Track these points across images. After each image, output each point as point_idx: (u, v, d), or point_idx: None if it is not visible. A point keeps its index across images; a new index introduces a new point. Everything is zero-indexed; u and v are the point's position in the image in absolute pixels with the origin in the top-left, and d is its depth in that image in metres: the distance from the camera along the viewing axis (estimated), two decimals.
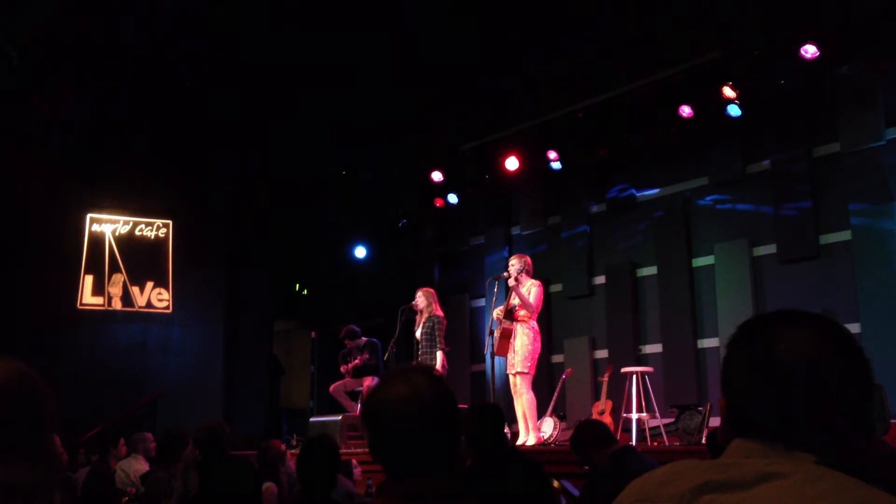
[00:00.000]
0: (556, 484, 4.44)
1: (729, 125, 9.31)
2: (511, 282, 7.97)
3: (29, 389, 1.53)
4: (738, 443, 1.19)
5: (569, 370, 9.56)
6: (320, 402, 13.42)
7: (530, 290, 7.98)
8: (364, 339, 10.04)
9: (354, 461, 6.79)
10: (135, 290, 12.23)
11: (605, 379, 8.57)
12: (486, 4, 9.44)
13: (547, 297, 9.12)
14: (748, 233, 9.39)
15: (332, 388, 9.92)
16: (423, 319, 8.64)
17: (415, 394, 1.66)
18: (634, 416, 7.97)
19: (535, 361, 8.00)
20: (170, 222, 12.55)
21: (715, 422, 7.21)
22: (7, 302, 11.18)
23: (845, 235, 8.63)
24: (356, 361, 9.84)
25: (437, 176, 11.61)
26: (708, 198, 9.85)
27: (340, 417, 9.18)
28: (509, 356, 7.97)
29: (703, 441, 6.97)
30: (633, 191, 10.54)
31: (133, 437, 7.87)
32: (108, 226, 12.25)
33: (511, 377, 8.00)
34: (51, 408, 1.55)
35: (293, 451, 7.17)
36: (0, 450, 1.44)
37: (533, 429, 7.93)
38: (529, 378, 7.93)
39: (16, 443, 1.46)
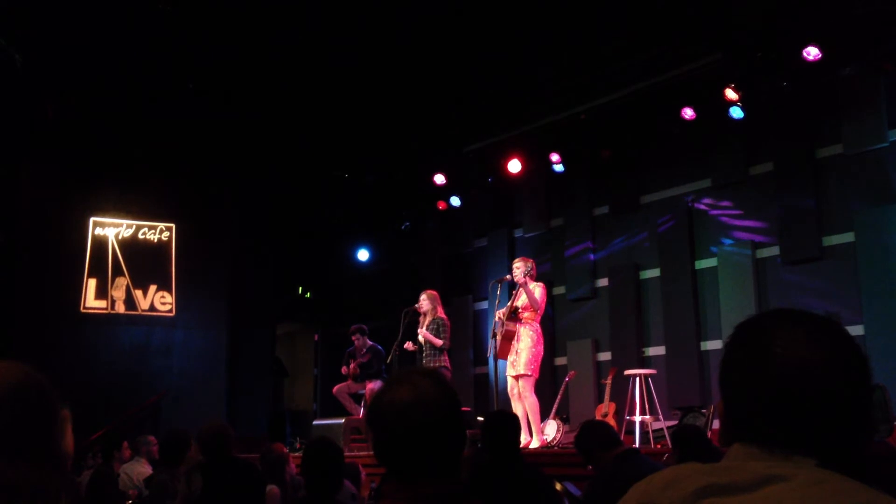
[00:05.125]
0: (558, 486, 4.45)
1: (732, 127, 9.32)
2: (519, 279, 7.97)
3: (37, 393, 1.54)
4: (739, 446, 1.19)
5: (572, 373, 9.56)
6: (324, 404, 13.42)
7: (534, 290, 8.00)
8: (369, 342, 10.04)
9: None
10: (138, 293, 12.24)
11: (609, 381, 8.57)
12: (488, 6, 9.44)
13: (550, 299, 9.14)
14: (751, 234, 9.40)
15: (335, 389, 9.97)
16: (426, 322, 8.64)
17: (419, 396, 1.67)
18: (638, 418, 7.97)
19: (539, 364, 8.00)
20: (173, 225, 12.56)
21: (718, 424, 7.20)
22: (10, 305, 11.19)
23: (848, 237, 8.63)
24: (353, 367, 9.85)
25: (439, 178, 11.63)
26: (711, 200, 9.85)
27: (343, 420, 9.19)
28: (511, 358, 7.97)
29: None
30: (636, 193, 10.53)
31: (136, 439, 7.88)
32: (111, 229, 12.26)
33: (511, 379, 7.98)
34: (57, 411, 1.56)
35: (296, 453, 7.18)
36: (7, 452, 1.45)
37: (536, 432, 7.93)
38: (532, 381, 7.92)
39: (23, 445, 1.47)
